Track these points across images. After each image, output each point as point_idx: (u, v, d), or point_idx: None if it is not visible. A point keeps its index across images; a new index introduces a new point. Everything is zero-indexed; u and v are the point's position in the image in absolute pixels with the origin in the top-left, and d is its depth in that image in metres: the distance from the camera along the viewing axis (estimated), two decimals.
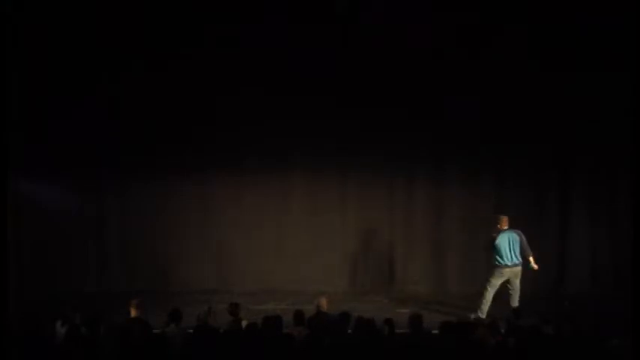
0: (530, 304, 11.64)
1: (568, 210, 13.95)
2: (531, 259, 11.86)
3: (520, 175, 14.02)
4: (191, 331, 8.99)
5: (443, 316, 11.40)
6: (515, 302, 11.69)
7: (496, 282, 11.78)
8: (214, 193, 14.25)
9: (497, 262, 11.78)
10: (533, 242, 12.01)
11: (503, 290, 11.86)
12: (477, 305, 11.72)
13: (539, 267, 11.95)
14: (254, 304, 12.44)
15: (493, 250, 11.79)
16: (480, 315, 11.55)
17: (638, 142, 10.09)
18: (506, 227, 11.89)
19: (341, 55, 13.38)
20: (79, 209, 14.03)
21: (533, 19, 12.85)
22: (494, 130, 13.74)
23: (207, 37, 13.22)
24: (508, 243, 11.77)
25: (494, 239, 11.79)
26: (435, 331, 8.74)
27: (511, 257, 11.76)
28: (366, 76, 13.46)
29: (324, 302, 10.02)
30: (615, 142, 12.95)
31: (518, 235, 11.86)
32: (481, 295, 11.76)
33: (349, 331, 8.86)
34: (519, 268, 11.82)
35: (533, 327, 8.74)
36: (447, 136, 13.85)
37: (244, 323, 9.09)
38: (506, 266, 11.74)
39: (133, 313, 9.69)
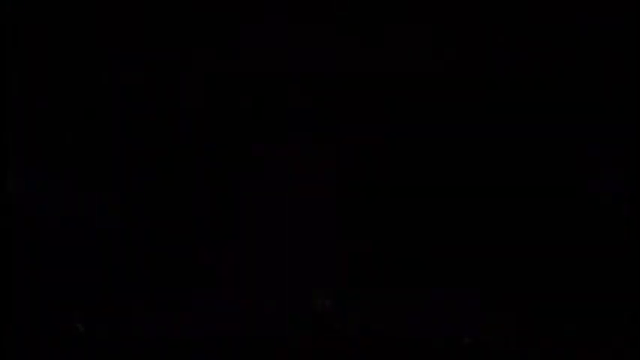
0: None
1: None
2: None
3: None
4: None
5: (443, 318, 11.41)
6: None
7: None
8: None
9: None
10: None
11: None
12: None
13: None
14: None
15: None
16: None
17: (639, 141, 10.12)
18: None
19: (341, 54, 13.40)
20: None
21: (532, 18, 12.89)
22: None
23: (206, 38, 13.28)
24: None
25: None
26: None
27: None
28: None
29: (325, 302, 10.02)
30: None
31: None
32: None
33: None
34: None
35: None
36: None
37: None
38: None
39: None
